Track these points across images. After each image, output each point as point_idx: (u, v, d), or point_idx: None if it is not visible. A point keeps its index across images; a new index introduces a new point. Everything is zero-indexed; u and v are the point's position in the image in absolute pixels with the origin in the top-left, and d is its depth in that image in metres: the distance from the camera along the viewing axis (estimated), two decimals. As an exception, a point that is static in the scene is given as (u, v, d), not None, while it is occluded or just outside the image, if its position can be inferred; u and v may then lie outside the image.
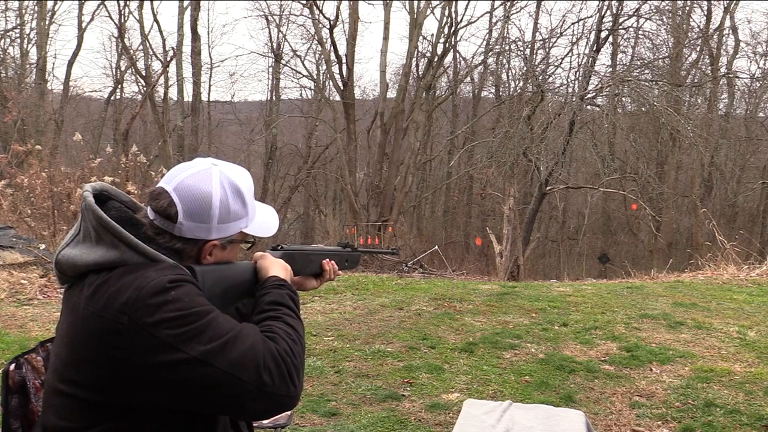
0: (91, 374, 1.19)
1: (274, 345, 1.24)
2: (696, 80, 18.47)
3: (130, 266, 1.23)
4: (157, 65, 22.75)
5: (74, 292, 1.26)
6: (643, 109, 16.13)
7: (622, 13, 16.58)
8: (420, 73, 21.19)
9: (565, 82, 18.83)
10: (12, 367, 1.40)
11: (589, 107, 16.04)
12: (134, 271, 1.21)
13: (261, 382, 1.19)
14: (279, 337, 1.27)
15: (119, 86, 23.70)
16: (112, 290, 1.19)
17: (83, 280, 1.24)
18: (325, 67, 21.44)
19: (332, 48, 19.74)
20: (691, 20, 19.00)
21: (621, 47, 18.77)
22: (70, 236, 1.30)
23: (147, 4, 22.34)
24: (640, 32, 18.12)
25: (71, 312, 1.25)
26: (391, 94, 20.29)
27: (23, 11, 19.68)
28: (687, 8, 18.51)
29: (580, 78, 16.83)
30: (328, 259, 1.75)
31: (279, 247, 1.61)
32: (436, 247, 16.59)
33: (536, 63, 18.02)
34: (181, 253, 1.32)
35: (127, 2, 21.34)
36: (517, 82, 21.13)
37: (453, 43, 21.12)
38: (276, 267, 1.47)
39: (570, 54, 19.99)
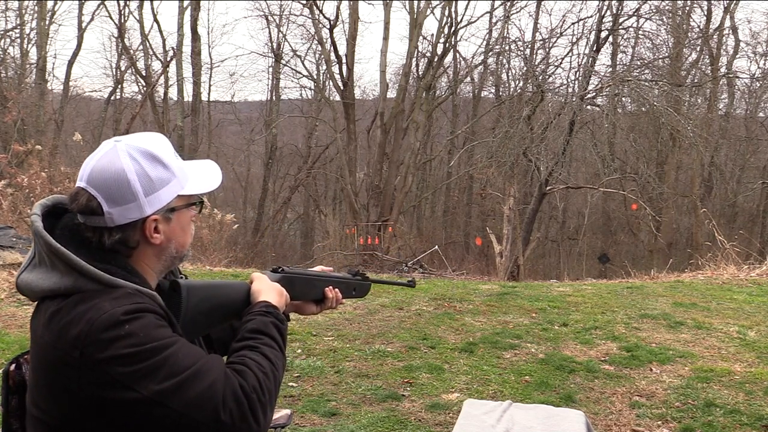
0: (51, 402, 1.16)
1: (239, 380, 1.17)
2: (696, 80, 18.47)
3: (85, 294, 1.15)
4: (157, 65, 22.81)
5: (36, 316, 1.22)
6: (643, 109, 16.14)
7: (622, 13, 16.59)
8: (420, 73, 21.20)
9: (565, 82, 18.84)
10: (12, 367, 1.40)
11: (589, 107, 16.04)
12: (88, 300, 1.14)
13: (218, 422, 1.12)
14: (248, 370, 1.20)
15: (119, 86, 23.73)
16: (64, 321, 1.13)
17: (41, 304, 1.20)
18: (325, 67, 21.47)
19: (332, 48, 19.76)
20: (691, 20, 19.02)
21: (621, 47, 18.78)
22: (27, 259, 1.24)
23: (147, 4, 22.37)
24: (640, 32, 18.13)
25: (33, 336, 1.22)
26: (391, 94, 20.31)
27: (23, 11, 19.68)
28: (687, 8, 18.52)
29: (580, 78, 16.84)
30: (331, 287, 1.64)
31: (280, 270, 1.52)
32: (436, 247, 16.60)
33: (536, 63, 18.03)
34: (127, 242, 1.22)
35: (127, 2, 21.38)
36: (517, 82, 21.15)
37: (453, 43, 21.14)
38: (269, 292, 1.38)
39: (570, 54, 19.97)
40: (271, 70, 24.90)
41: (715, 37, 19.16)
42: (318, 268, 1.67)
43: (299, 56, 22.37)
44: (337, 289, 1.65)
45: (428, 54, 20.82)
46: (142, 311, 1.14)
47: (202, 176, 1.33)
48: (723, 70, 19.56)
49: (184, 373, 1.12)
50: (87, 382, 1.11)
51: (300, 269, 1.59)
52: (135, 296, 1.16)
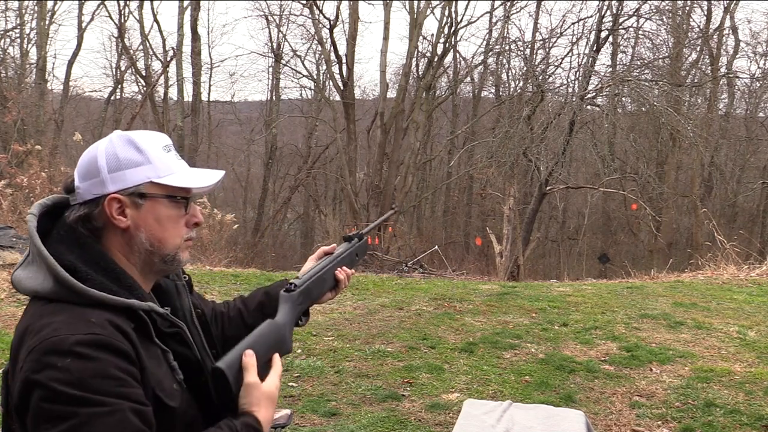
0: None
1: None
2: (696, 80, 18.47)
3: (58, 306, 1.12)
4: (157, 65, 22.80)
5: (25, 312, 1.21)
6: (643, 109, 16.14)
7: (622, 13, 16.59)
8: (420, 73, 21.20)
9: (565, 82, 18.84)
10: (12, 367, 1.40)
11: (589, 107, 16.04)
12: (57, 313, 1.10)
13: None
14: None
15: (119, 86, 23.73)
16: (29, 325, 1.12)
17: (31, 301, 1.19)
18: (325, 67, 21.46)
19: (332, 48, 19.76)
20: (691, 20, 19.02)
21: (621, 47, 18.78)
22: (23, 257, 1.23)
23: (147, 4, 22.37)
24: (640, 32, 18.13)
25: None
26: (391, 94, 20.31)
27: (23, 11, 19.68)
28: (687, 8, 18.52)
29: (580, 78, 16.84)
30: (340, 268, 1.61)
31: (293, 287, 1.46)
32: (436, 247, 16.59)
33: (536, 63, 18.03)
34: (90, 218, 1.19)
35: (127, 2, 21.38)
36: (517, 82, 21.15)
37: (453, 43, 21.14)
38: (262, 403, 1.21)
39: (570, 54, 19.95)
40: (271, 70, 24.92)
41: (715, 37, 19.17)
42: (318, 252, 1.64)
43: (299, 56, 22.39)
44: (344, 267, 1.62)
45: (428, 54, 20.83)
46: (99, 347, 1.06)
47: (193, 175, 1.26)
48: (723, 70, 19.57)
49: None
50: (17, 391, 1.08)
51: (308, 273, 1.54)
52: (99, 327, 1.08)
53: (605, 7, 16.42)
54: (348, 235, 1.72)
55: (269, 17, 22.48)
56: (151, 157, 1.22)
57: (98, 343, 1.07)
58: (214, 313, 1.54)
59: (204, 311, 1.43)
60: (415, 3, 19.53)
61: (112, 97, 23.63)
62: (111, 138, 1.23)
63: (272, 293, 1.56)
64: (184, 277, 1.40)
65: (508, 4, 20.18)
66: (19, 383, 1.07)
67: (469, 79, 23.61)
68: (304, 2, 20.00)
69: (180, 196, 1.24)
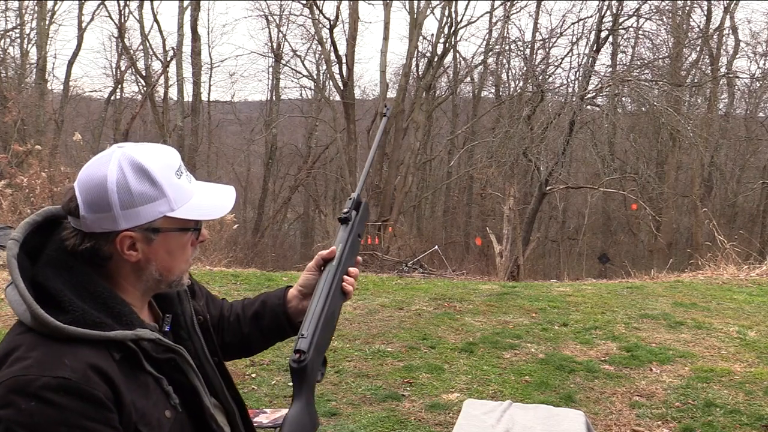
0: None
1: None
2: (696, 80, 18.48)
3: (36, 339, 1.08)
4: (157, 65, 22.80)
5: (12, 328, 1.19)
6: (643, 109, 16.16)
7: (622, 13, 16.61)
8: (420, 73, 21.21)
9: (565, 82, 18.85)
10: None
11: (589, 107, 16.05)
12: (32, 348, 1.07)
13: None
14: None
15: (119, 86, 23.71)
16: (7, 352, 1.08)
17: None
18: (325, 67, 21.47)
19: (332, 48, 19.77)
20: (691, 20, 19.03)
21: (621, 47, 18.79)
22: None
23: (147, 4, 22.35)
24: (640, 32, 18.15)
25: None
26: (391, 94, 20.30)
27: (23, 11, 19.68)
28: (687, 8, 18.53)
29: (580, 78, 16.85)
30: (344, 277, 1.43)
31: (301, 357, 1.30)
32: (436, 247, 16.60)
33: (536, 63, 18.04)
34: (98, 252, 1.14)
35: (127, 2, 21.37)
36: (517, 82, 21.16)
37: (453, 43, 21.15)
38: None
39: (570, 54, 19.95)
40: (271, 70, 24.92)
41: (715, 37, 19.16)
42: (316, 259, 1.46)
43: (299, 56, 22.40)
44: (350, 270, 1.44)
45: (428, 54, 20.84)
46: (67, 393, 1.03)
47: (205, 202, 1.21)
48: (723, 70, 19.57)
49: None
50: None
51: (309, 314, 1.33)
52: (75, 369, 1.04)
53: (605, 7, 16.45)
54: (342, 215, 1.51)
55: (269, 17, 22.50)
56: (166, 189, 1.15)
57: (66, 388, 1.03)
58: (220, 316, 1.51)
59: (207, 317, 1.38)
60: (415, 3, 19.55)
61: (112, 97, 23.63)
62: (121, 165, 1.13)
63: (269, 303, 1.51)
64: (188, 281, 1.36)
65: (508, 4, 20.19)
66: None
67: (469, 79, 23.64)
68: (304, 2, 20.01)
69: (192, 228, 1.21)
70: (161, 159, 1.16)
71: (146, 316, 1.24)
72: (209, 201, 1.22)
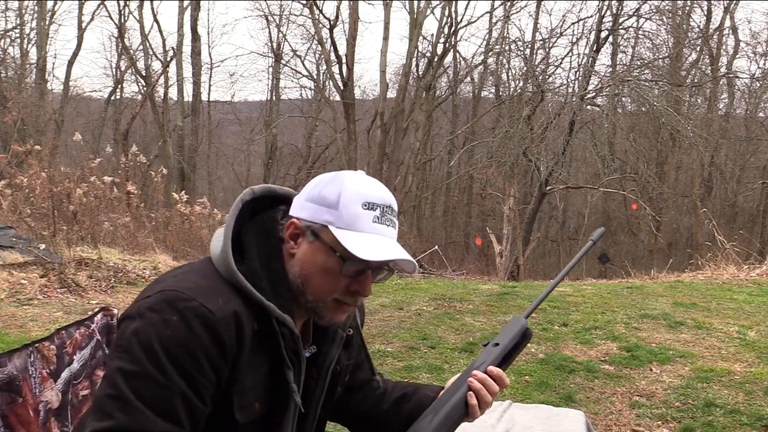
0: None
1: None
2: (696, 80, 18.48)
3: (211, 272, 1.19)
4: (157, 65, 22.78)
5: None
6: (643, 109, 16.16)
7: (622, 13, 16.63)
8: (420, 73, 21.21)
9: (565, 82, 18.87)
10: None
11: (589, 107, 16.05)
12: (204, 277, 1.17)
13: None
14: None
15: (119, 86, 23.73)
16: (182, 267, 1.25)
17: None
18: (325, 67, 21.47)
19: (332, 48, 19.77)
20: (691, 20, 19.04)
21: (621, 47, 18.80)
22: None
23: (147, 4, 22.35)
24: (640, 32, 18.17)
25: None
26: (391, 94, 20.31)
27: (23, 11, 19.70)
28: (687, 8, 18.54)
29: (580, 78, 16.88)
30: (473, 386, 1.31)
31: None
32: (436, 247, 16.60)
33: (536, 63, 18.05)
34: (280, 223, 1.24)
35: (127, 2, 21.35)
36: (517, 82, 21.17)
37: (453, 43, 21.15)
38: None
39: (570, 54, 19.99)
40: (271, 70, 24.94)
41: (715, 37, 19.17)
42: (449, 385, 1.36)
43: (299, 56, 22.42)
44: (489, 368, 1.33)
45: (428, 54, 20.84)
46: (204, 324, 1.09)
47: (369, 244, 1.18)
48: (723, 70, 19.58)
49: (124, 392, 1.05)
50: (129, 307, 1.16)
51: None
52: (222, 309, 1.11)
53: (605, 7, 16.47)
54: (488, 341, 1.37)
55: (269, 17, 22.52)
56: (342, 208, 1.18)
57: (205, 319, 1.09)
58: (367, 381, 1.51)
59: (344, 371, 1.38)
60: (415, 3, 19.55)
61: (112, 97, 23.65)
62: (340, 175, 1.23)
63: (420, 391, 1.47)
64: (348, 331, 1.37)
65: (508, 4, 20.21)
66: (133, 304, 1.14)
67: (469, 79, 23.66)
68: (304, 2, 20.01)
69: (340, 254, 1.18)
70: (361, 188, 1.20)
71: (298, 327, 1.24)
72: (374, 246, 1.19)
